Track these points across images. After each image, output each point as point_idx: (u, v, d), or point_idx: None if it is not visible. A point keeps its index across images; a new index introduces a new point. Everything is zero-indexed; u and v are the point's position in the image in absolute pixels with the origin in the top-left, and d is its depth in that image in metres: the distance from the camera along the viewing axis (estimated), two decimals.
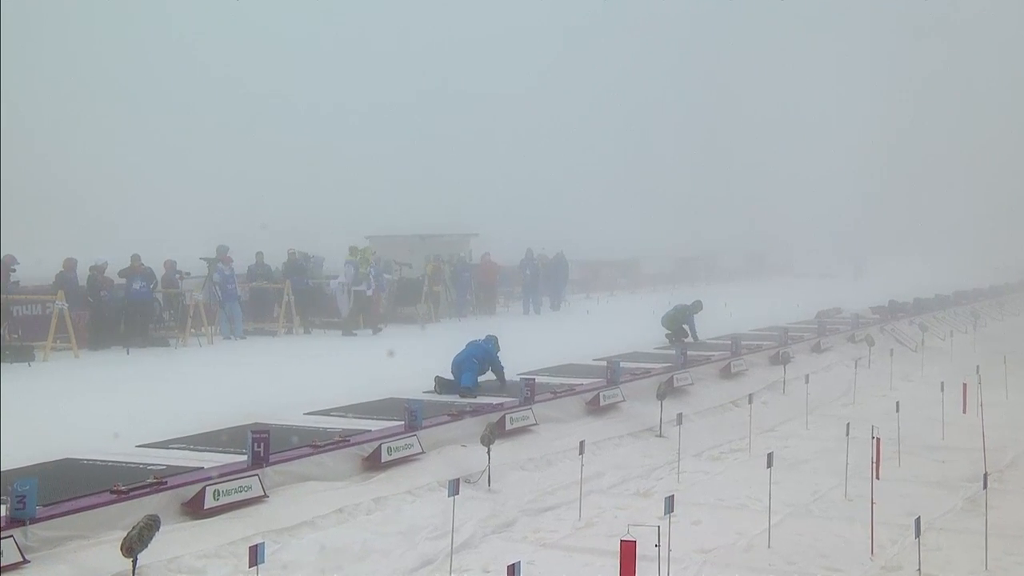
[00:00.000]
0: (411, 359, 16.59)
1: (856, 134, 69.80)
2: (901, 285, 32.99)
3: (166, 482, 8.23)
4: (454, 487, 7.68)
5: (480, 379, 13.55)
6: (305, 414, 11.85)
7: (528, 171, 72.25)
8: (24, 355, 17.08)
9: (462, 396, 12.92)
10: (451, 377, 13.45)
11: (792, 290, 38.86)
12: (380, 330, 22.97)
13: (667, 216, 64.08)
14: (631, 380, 14.73)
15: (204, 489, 8.20)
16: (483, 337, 14.21)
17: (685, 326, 19.89)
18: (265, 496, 8.62)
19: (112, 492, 7.88)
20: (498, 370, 13.95)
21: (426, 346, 18.21)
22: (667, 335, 19.86)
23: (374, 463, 9.93)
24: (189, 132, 67.01)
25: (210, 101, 69.63)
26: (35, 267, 21.23)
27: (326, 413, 11.93)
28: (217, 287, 21.62)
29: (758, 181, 71.24)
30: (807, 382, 15.21)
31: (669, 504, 7.25)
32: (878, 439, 9.95)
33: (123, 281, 19.93)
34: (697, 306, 20.12)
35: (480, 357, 13.62)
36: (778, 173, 71.42)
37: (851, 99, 76.46)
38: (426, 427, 10.87)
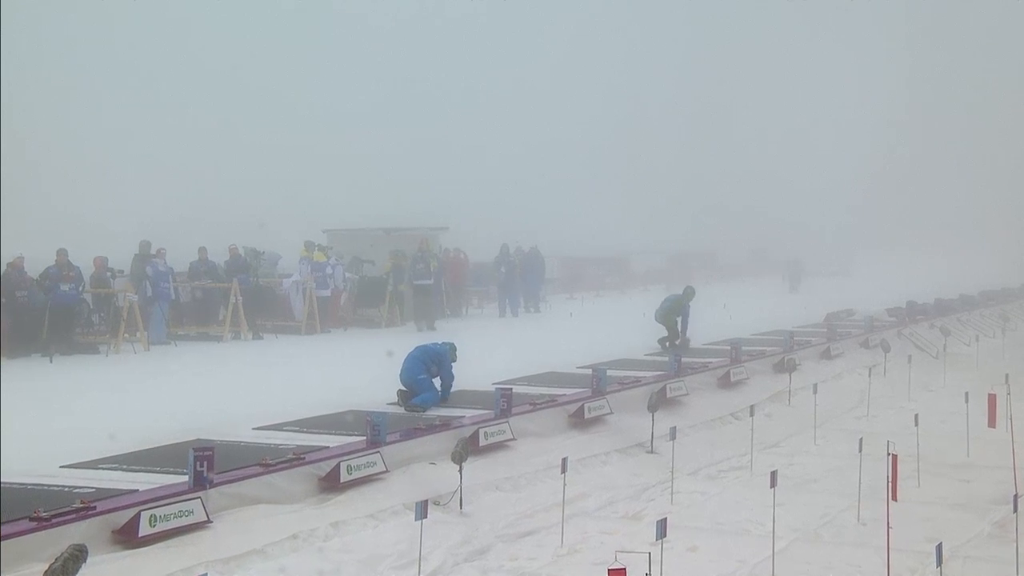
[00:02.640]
0: (374, 367, 16.52)
1: (864, 118, 70.27)
2: (912, 284, 33.17)
3: (95, 507, 8.14)
4: (422, 510, 7.65)
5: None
6: (254, 429, 11.79)
7: (505, 159, 72.23)
8: None
9: (408, 410, 12.91)
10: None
11: (799, 290, 39.09)
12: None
13: (660, 208, 64.25)
14: (619, 390, 14.74)
15: (139, 514, 8.12)
16: (439, 342, 14.09)
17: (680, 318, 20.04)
18: (208, 521, 8.55)
19: (32, 519, 7.78)
20: (447, 380, 13.63)
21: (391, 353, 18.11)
22: (660, 340, 19.88)
23: (332, 483, 9.88)
24: (127, 114, 66.65)
25: (154, 81, 69.29)
26: None
27: (278, 428, 11.87)
28: (148, 283, 21.38)
29: (760, 170, 71.60)
30: (815, 392, 15.25)
31: (661, 528, 7.23)
32: (895, 456, 9.96)
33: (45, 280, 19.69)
34: (690, 293, 20.26)
35: (430, 361, 13.46)
36: (782, 161, 71.76)
37: (858, 81, 76.99)
38: (390, 443, 10.83)
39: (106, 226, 41.35)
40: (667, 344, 19.72)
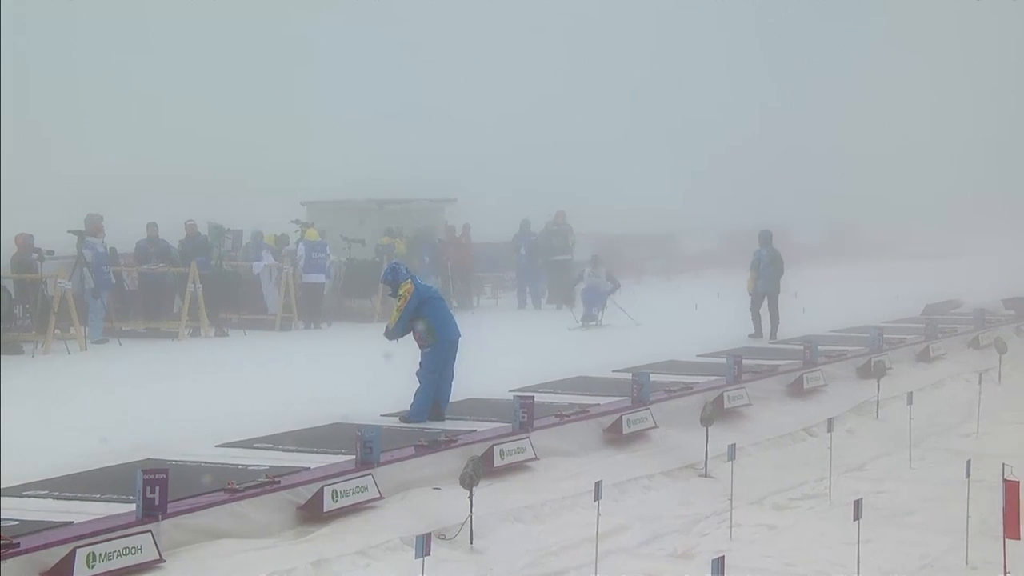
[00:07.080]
0: (365, 371, 16.54)
1: (970, 86, 70.05)
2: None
3: (18, 543, 8.13)
4: (423, 545, 7.63)
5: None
6: (218, 446, 11.82)
7: (527, 118, 71.99)
8: None
9: (402, 420, 13.11)
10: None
11: (891, 276, 38.95)
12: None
13: (716, 177, 64.10)
14: (665, 399, 14.78)
15: (74, 552, 8.11)
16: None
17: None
18: (161, 560, 8.56)
19: None
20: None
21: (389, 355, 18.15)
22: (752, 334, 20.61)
23: (314, 513, 9.91)
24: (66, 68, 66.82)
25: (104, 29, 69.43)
26: None
27: (247, 445, 11.91)
28: (88, 269, 21.31)
29: (840, 132, 71.38)
30: (910, 403, 15.17)
31: (718, 569, 7.20)
32: (1014, 483, 9.90)
33: None
34: (768, 235, 22.25)
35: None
36: (867, 132, 71.53)
37: (964, 44, 76.73)
38: (385, 463, 10.85)
39: (34, 195, 41.49)
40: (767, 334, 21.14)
